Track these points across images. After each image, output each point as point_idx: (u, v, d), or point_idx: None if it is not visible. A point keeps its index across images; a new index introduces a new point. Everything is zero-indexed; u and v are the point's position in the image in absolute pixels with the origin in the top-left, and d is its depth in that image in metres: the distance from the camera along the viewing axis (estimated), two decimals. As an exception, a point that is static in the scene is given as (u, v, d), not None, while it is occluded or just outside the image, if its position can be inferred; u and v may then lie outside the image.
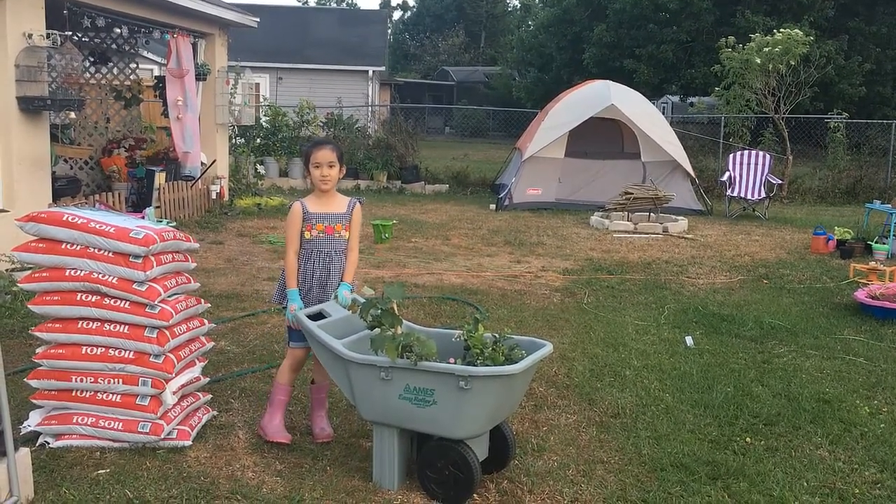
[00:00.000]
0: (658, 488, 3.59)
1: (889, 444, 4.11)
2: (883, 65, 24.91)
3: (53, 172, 8.56)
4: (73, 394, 3.84)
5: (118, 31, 9.65)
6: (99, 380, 3.79)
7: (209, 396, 4.28)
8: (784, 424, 4.34)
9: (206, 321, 4.20)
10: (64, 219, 3.79)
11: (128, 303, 3.74)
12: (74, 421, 3.81)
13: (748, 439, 4.13)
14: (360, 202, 4.05)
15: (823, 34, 23.32)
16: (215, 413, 4.26)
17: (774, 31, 15.82)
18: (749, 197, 12.94)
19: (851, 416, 4.46)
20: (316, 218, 3.90)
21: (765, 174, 13.02)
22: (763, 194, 12.88)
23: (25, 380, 3.95)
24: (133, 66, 11.59)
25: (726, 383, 4.95)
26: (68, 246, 3.78)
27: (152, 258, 3.78)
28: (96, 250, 3.74)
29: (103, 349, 3.78)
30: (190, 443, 3.87)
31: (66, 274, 3.77)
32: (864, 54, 24.42)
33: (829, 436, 4.20)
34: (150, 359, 3.76)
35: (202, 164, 11.25)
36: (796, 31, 15.45)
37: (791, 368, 5.30)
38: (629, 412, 4.47)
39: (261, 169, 14.80)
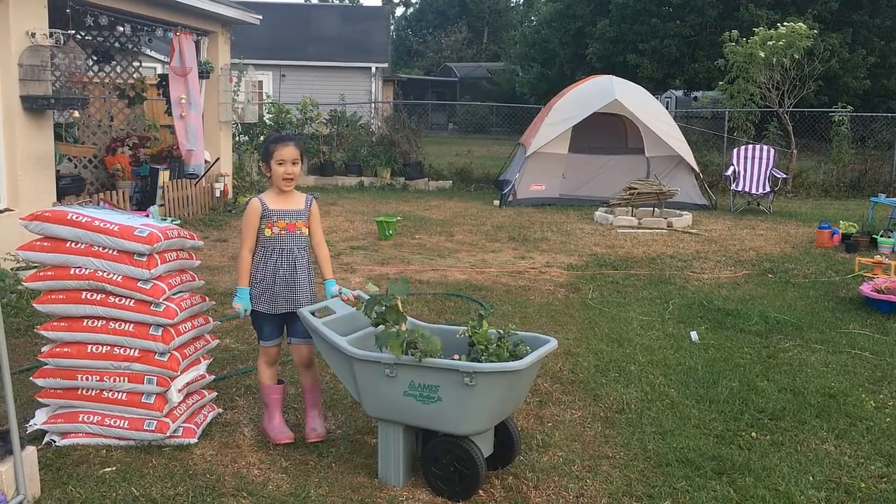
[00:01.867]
0: (663, 483, 3.59)
1: (895, 438, 4.11)
2: (887, 58, 24.79)
3: (57, 171, 8.57)
4: (79, 392, 3.85)
5: (121, 29, 9.66)
6: (104, 378, 3.80)
7: (214, 394, 4.29)
8: (789, 419, 4.34)
9: (210, 319, 4.21)
10: (68, 217, 3.80)
11: (133, 301, 3.75)
12: (80, 419, 3.83)
13: (753, 434, 4.13)
14: (315, 198, 4.01)
15: (827, 27, 23.22)
16: (220, 411, 4.27)
17: (778, 24, 15.78)
18: (753, 191, 12.91)
19: (857, 411, 4.45)
20: (277, 215, 3.84)
21: (769, 168, 12.98)
22: (767, 188, 12.85)
23: (31, 378, 3.96)
24: (136, 64, 11.61)
25: (731, 378, 4.94)
26: (73, 244, 3.78)
27: (157, 256, 3.78)
28: (101, 248, 3.75)
29: (108, 347, 3.79)
30: (195, 440, 3.88)
31: (71, 272, 3.78)
32: (868, 47, 24.31)
33: (835, 430, 4.20)
34: (156, 356, 3.77)
35: (206, 161, 11.25)
36: (800, 24, 15.41)
37: (796, 363, 5.29)
38: (634, 407, 4.47)
39: (264, 166, 14.80)
